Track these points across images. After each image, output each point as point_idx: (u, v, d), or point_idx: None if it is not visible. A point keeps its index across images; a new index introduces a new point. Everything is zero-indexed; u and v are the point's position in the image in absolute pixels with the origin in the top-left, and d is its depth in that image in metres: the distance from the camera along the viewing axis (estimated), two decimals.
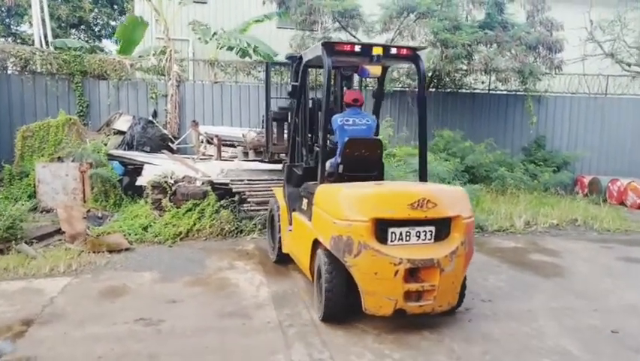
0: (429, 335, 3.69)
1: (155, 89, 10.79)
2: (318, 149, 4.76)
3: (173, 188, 6.88)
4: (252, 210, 6.86)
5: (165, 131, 10.09)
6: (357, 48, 4.17)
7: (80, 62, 10.36)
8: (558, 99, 12.66)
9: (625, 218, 8.69)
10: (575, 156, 12.00)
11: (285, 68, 9.84)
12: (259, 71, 11.39)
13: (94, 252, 5.61)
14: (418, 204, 3.52)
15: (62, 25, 19.41)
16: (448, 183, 7.92)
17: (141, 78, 11.07)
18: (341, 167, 4.41)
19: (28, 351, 3.33)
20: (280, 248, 5.17)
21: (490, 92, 12.49)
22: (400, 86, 11.92)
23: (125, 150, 9.12)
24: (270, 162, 7.62)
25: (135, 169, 8.15)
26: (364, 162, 4.48)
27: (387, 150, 8.68)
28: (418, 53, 4.32)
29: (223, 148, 9.05)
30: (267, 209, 6.19)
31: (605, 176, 11.57)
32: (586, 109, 12.73)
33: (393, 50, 4.25)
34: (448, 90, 12.24)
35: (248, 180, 7.16)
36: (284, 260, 5.22)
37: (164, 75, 10.82)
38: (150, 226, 6.54)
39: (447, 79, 11.90)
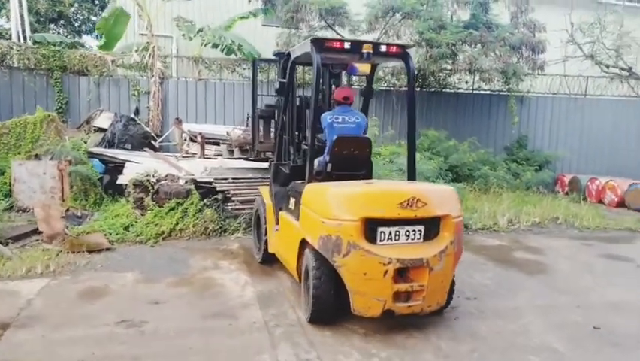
0: (416, 334, 3.68)
1: (137, 85, 10.59)
2: (305, 147, 4.70)
3: (156, 187, 6.74)
4: (236, 209, 6.76)
5: (147, 129, 9.89)
6: (347, 45, 4.12)
7: (60, 57, 10.11)
8: (540, 99, 12.86)
9: (604, 216, 8.90)
10: (556, 156, 12.23)
11: (272, 65, 9.76)
12: (244, 69, 11.28)
13: (73, 252, 5.43)
14: (407, 204, 3.49)
15: (41, 19, 18.83)
16: (433, 181, 7.97)
17: (123, 75, 10.84)
18: (329, 165, 4.35)
19: (5, 356, 3.20)
20: (266, 249, 5.08)
21: (474, 91, 12.61)
22: (385, 85, 11.95)
23: (105, 147, 8.91)
24: (255, 160, 7.55)
25: (116, 167, 7.96)
26: (353, 161, 4.43)
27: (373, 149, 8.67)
28: (407, 50, 4.30)
29: (207, 146, 8.92)
30: (251, 208, 6.11)
31: (584, 175, 11.81)
32: (566, 109, 12.97)
33: (383, 48, 4.22)
34: (433, 90, 12.31)
35: (232, 178, 7.06)
36: (269, 260, 5.14)
37: (146, 72, 10.61)
38: (132, 225, 6.39)
39: (431, 78, 11.95)
